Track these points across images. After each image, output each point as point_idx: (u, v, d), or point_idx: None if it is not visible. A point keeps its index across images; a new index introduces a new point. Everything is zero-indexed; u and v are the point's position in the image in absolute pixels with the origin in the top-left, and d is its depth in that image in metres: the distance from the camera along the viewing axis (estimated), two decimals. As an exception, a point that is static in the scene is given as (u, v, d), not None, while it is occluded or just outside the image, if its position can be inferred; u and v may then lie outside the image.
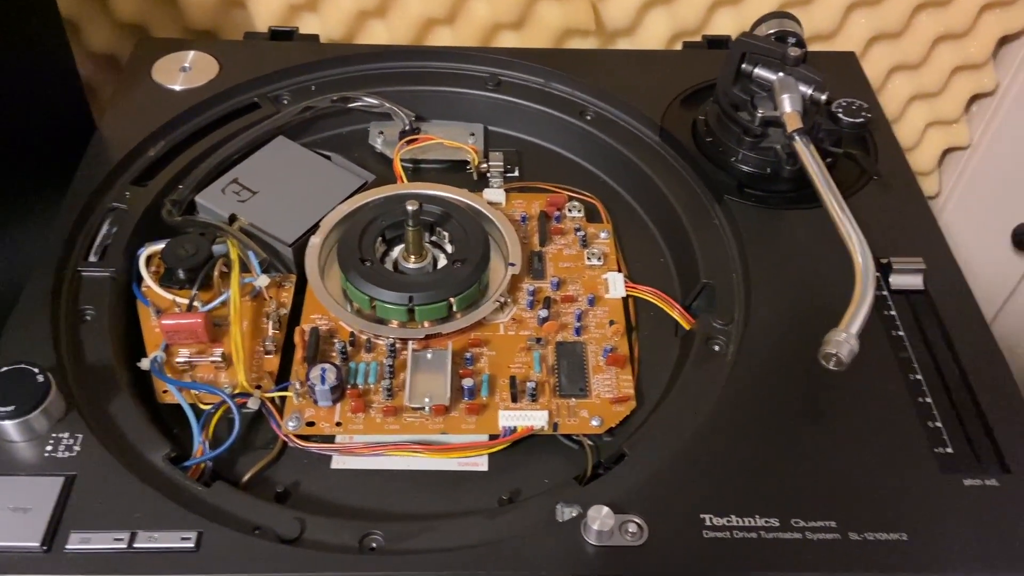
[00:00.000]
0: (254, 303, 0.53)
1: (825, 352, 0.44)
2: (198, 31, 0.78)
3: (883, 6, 0.83)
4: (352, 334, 0.52)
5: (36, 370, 0.45)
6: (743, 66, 0.59)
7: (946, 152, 0.95)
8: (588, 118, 0.66)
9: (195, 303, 0.52)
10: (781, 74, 0.58)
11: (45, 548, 0.40)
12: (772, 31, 0.61)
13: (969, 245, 0.89)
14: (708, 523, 0.43)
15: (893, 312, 0.54)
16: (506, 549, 0.42)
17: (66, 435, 0.45)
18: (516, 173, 0.64)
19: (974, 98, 0.92)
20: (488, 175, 0.63)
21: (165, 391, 0.49)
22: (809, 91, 0.57)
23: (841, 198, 0.52)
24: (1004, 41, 0.88)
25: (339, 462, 0.48)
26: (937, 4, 0.84)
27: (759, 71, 0.59)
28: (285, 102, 0.66)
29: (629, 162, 0.64)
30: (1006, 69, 0.88)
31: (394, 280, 0.53)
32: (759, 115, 0.59)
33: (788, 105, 0.56)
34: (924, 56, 0.87)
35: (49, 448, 0.44)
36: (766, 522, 0.43)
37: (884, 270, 0.55)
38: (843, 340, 0.44)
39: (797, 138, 0.55)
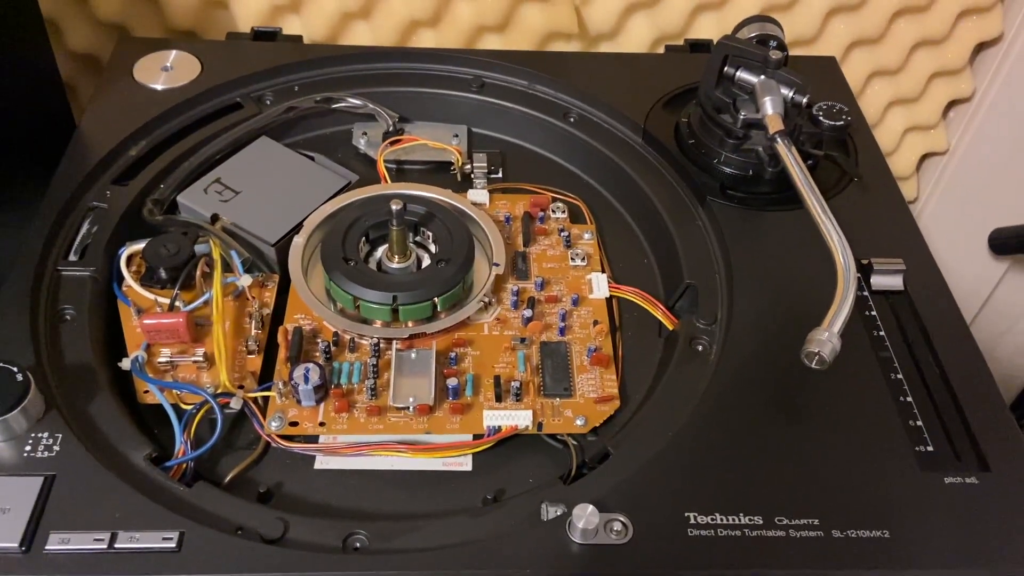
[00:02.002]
0: (236, 303, 0.53)
1: (808, 351, 0.45)
2: (180, 31, 0.78)
3: (862, 12, 0.84)
4: (336, 334, 0.52)
5: (15, 369, 0.44)
6: (725, 69, 0.60)
7: (924, 157, 0.97)
8: (571, 120, 0.67)
9: (177, 303, 0.51)
10: (763, 77, 0.58)
11: (24, 549, 0.40)
12: (753, 34, 0.61)
13: (947, 250, 0.90)
14: (693, 521, 0.43)
15: (874, 312, 0.54)
16: (491, 548, 0.42)
17: (45, 435, 0.44)
18: (500, 174, 0.64)
19: (951, 104, 0.93)
20: (472, 176, 0.64)
21: (146, 391, 0.48)
22: (790, 94, 0.58)
23: (822, 199, 0.52)
24: (980, 48, 0.89)
25: (322, 462, 0.47)
26: (915, 11, 0.85)
27: (741, 74, 0.59)
28: (268, 102, 0.65)
29: (612, 164, 0.64)
30: (983, 75, 0.90)
31: (378, 280, 0.52)
32: (741, 117, 0.59)
33: (770, 107, 0.57)
34: (902, 62, 0.88)
35: (28, 448, 0.44)
36: (750, 520, 0.43)
37: (865, 271, 0.56)
38: (825, 339, 0.44)
39: (779, 140, 0.56)
